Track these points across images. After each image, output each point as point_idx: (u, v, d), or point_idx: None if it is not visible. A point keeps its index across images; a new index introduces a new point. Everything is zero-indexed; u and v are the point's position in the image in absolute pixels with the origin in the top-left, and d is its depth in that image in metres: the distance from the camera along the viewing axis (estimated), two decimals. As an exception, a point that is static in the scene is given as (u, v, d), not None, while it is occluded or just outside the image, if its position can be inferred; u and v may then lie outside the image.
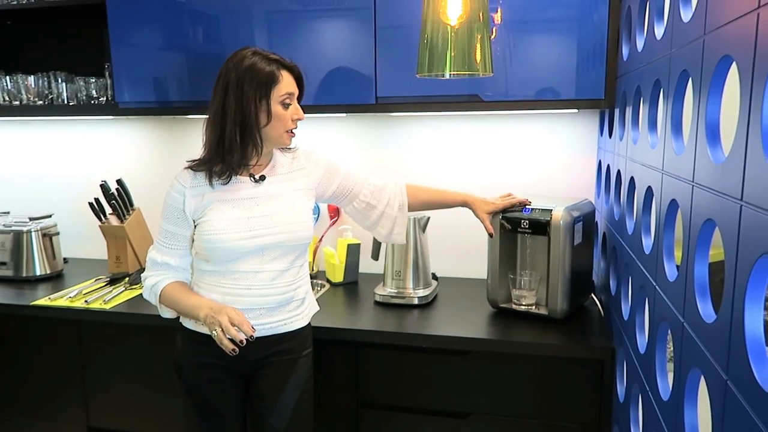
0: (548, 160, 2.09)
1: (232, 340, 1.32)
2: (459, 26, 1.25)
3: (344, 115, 2.21)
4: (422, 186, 1.77)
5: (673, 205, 1.03)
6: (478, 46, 1.24)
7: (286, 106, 1.43)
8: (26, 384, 2.04)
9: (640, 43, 1.39)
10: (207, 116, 1.45)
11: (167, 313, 1.53)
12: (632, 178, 1.40)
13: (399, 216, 1.70)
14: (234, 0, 1.92)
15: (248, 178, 1.47)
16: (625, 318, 1.42)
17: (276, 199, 1.48)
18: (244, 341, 1.31)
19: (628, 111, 1.50)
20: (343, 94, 1.90)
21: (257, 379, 1.51)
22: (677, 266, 0.99)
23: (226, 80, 1.40)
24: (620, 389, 1.48)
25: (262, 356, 1.49)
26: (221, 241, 1.41)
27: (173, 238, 1.47)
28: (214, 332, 1.33)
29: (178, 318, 1.54)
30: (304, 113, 1.47)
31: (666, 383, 1.06)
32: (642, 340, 1.24)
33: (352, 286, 2.14)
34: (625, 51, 1.59)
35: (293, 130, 1.47)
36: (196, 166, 1.46)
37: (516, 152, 2.12)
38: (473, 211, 1.74)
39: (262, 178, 1.48)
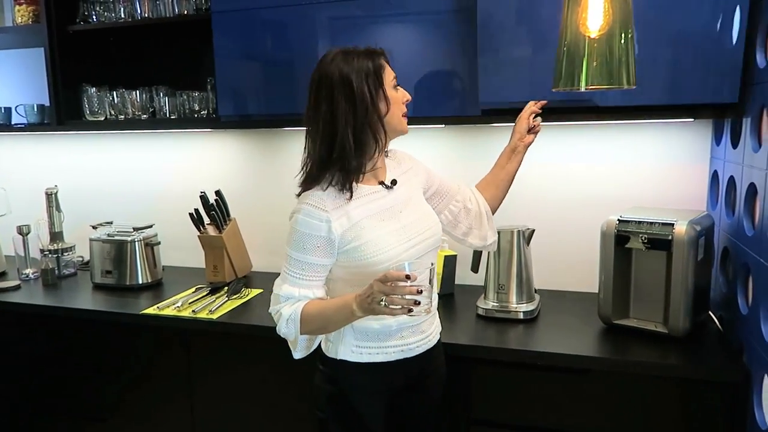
0: (656, 171, 2.01)
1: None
2: (599, 36, 1.21)
3: (442, 126, 2.19)
4: (481, 182, 1.70)
5: None
6: (623, 56, 1.20)
7: (395, 89, 1.37)
8: (133, 392, 2.09)
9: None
10: (308, 127, 1.34)
11: (301, 351, 1.40)
12: (777, 193, 1.33)
13: (488, 220, 1.64)
14: (337, 13, 1.94)
15: (378, 185, 1.40)
16: (767, 340, 1.34)
17: (412, 202, 1.45)
18: (420, 291, 1.18)
19: (765, 121, 1.42)
20: (443, 106, 1.88)
21: (408, 399, 1.46)
22: None
23: (329, 83, 1.29)
24: (758, 415, 1.40)
25: (418, 374, 1.46)
26: (386, 260, 1.31)
27: (312, 269, 1.33)
28: (382, 305, 1.19)
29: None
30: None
31: None
32: (800, 367, 1.17)
33: (448, 297, 2.11)
34: (759, 58, 1.51)
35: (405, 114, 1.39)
36: (321, 183, 1.33)
37: (623, 163, 2.05)
38: (515, 142, 1.65)
39: (394, 182, 1.43)
